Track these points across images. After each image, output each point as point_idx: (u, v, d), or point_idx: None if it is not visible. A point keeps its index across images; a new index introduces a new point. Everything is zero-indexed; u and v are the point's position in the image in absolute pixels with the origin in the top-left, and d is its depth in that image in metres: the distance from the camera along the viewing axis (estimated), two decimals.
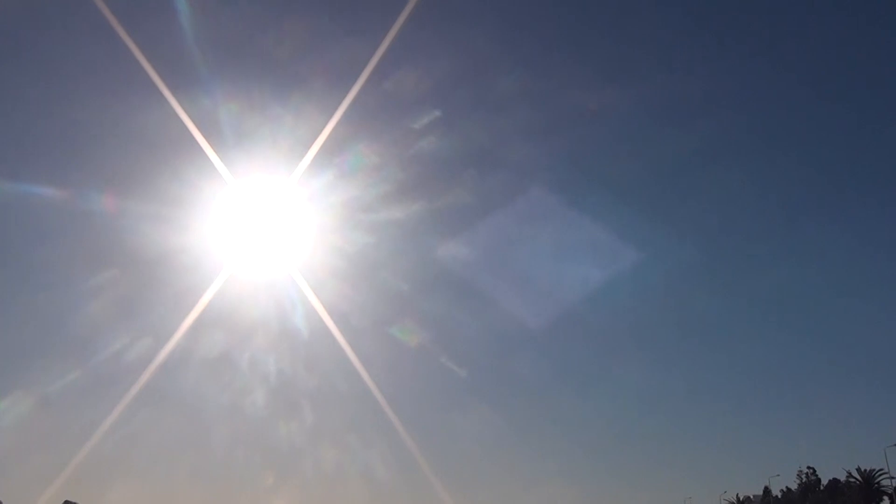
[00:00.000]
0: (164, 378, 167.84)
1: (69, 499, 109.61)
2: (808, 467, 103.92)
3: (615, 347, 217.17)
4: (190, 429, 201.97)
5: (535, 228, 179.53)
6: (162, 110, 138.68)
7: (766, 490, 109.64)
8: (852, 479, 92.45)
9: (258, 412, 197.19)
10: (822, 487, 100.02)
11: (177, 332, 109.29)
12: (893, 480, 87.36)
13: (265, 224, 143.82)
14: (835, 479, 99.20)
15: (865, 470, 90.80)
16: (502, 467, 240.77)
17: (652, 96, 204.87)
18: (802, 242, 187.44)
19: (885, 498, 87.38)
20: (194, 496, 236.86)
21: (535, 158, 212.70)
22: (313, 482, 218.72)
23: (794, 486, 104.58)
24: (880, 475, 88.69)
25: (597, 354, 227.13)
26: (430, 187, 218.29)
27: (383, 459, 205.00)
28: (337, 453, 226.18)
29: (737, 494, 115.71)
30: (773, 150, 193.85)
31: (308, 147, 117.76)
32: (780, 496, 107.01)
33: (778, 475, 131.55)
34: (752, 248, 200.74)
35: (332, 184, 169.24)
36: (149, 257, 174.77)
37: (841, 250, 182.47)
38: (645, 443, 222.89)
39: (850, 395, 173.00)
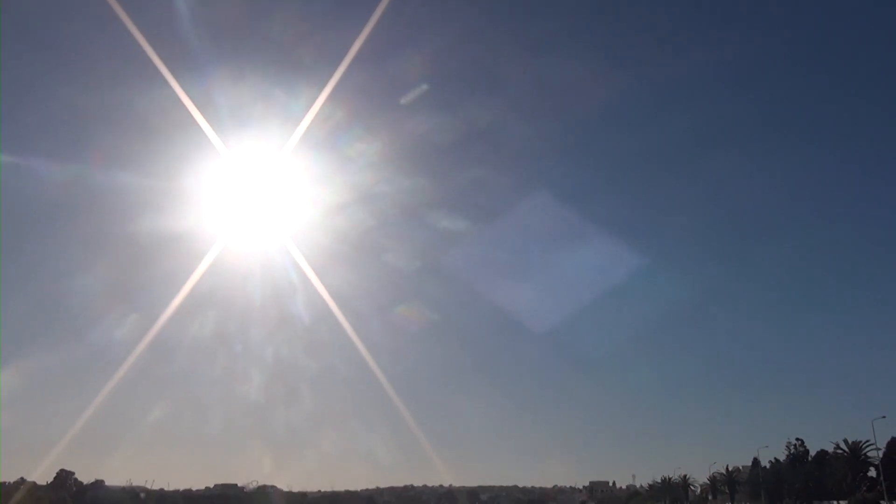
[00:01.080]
0: (158, 353, 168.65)
1: (65, 467, 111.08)
2: (797, 439, 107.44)
3: (615, 332, 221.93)
4: (184, 402, 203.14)
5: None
6: (155, 84, 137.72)
7: (755, 461, 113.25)
8: (840, 451, 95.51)
9: (253, 388, 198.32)
10: (810, 458, 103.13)
11: (170, 305, 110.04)
12: (880, 452, 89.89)
13: (259, 195, 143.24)
14: (822, 451, 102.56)
15: (853, 442, 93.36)
16: (503, 443, 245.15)
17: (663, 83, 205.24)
18: (802, 241, 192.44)
19: (872, 468, 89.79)
20: (189, 467, 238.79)
21: (530, 135, 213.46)
22: (308, 452, 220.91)
23: (782, 458, 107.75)
24: (867, 447, 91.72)
25: (597, 340, 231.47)
26: (425, 163, 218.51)
27: (382, 439, 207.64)
28: (336, 430, 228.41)
29: (727, 465, 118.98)
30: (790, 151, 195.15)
31: (300, 119, 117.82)
32: (768, 467, 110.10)
33: (767, 446, 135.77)
34: (753, 246, 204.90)
35: (325, 156, 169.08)
36: (143, 230, 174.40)
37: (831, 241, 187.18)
38: (640, 418, 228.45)
39: (838, 368, 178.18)
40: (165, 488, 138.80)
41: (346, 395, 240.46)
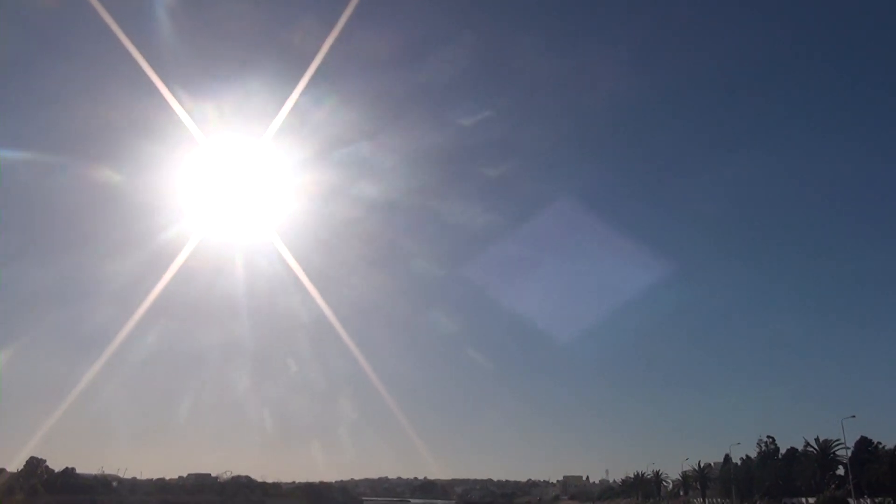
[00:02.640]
0: (133, 344, 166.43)
1: (35, 455, 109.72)
2: (768, 437, 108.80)
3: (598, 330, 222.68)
4: (158, 393, 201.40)
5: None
6: (127, 71, 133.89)
7: (727, 458, 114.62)
8: (810, 449, 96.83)
9: (230, 380, 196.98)
10: (780, 456, 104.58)
11: (147, 298, 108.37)
12: (848, 451, 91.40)
13: (240, 186, 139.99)
14: (793, 448, 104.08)
15: (822, 440, 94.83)
16: (478, 437, 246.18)
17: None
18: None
19: (840, 467, 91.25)
20: (163, 457, 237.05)
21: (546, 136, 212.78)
22: (284, 444, 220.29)
23: (753, 455, 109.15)
24: (836, 445, 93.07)
25: (576, 340, 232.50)
26: (415, 154, 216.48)
27: (360, 431, 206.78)
28: (313, 422, 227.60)
29: (699, 462, 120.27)
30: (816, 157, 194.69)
31: (281, 105, 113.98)
32: (739, 463, 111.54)
33: (739, 444, 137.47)
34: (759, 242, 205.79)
35: (311, 144, 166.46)
36: (117, 223, 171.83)
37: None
38: (614, 415, 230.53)
39: (810, 369, 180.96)
40: (138, 477, 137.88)
41: (326, 388, 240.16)
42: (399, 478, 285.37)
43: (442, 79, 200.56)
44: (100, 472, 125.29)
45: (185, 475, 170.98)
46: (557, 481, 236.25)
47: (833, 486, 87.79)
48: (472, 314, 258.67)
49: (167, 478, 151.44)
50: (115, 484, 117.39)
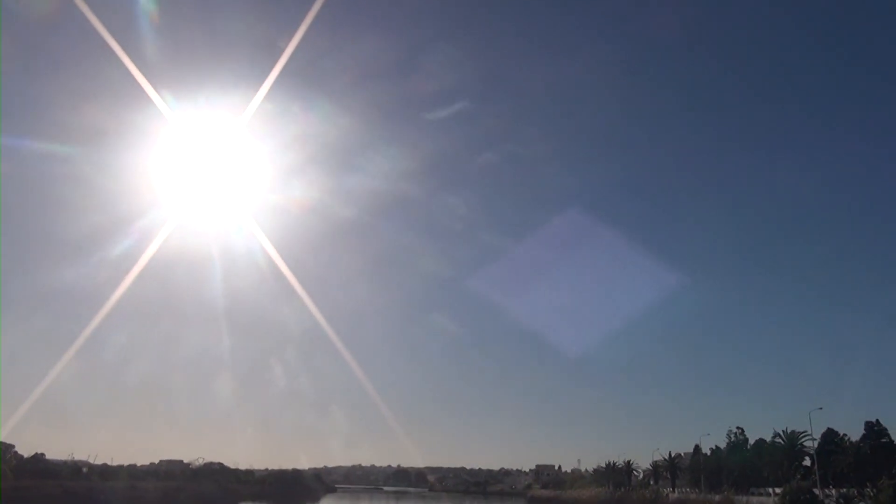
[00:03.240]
0: (105, 331, 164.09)
1: (4, 441, 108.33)
2: (738, 427, 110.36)
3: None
4: (130, 379, 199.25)
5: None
6: (90, 42, 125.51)
7: (697, 448, 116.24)
8: (778, 440, 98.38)
9: (203, 366, 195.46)
10: (749, 446, 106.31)
11: (120, 285, 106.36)
12: (815, 442, 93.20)
13: (215, 170, 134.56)
14: (761, 439, 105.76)
15: (790, 431, 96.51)
16: (451, 426, 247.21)
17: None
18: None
19: (807, 458, 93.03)
20: (134, 443, 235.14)
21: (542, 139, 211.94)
22: (257, 431, 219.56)
23: (723, 445, 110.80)
24: (804, 437, 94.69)
25: (557, 332, 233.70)
26: (396, 134, 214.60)
27: (334, 419, 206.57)
28: (288, 409, 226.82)
29: (669, 451, 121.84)
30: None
31: (261, 81, 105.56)
32: (709, 454, 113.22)
33: (709, 434, 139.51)
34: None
35: (292, 124, 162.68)
36: (85, 208, 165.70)
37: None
38: (588, 405, 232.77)
39: (780, 361, 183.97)
40: (109, 463, 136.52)
41: (303, 375, 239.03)
42: (373, 465, 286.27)
43: (427, 70, 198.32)
44: (70, 457, 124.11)
45: (156, 462, 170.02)
46: (530, 470, 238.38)
47: (799, 476, 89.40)
48: (454, 306, 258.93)
49: (138, 464, 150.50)
50: (85, 470, 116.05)
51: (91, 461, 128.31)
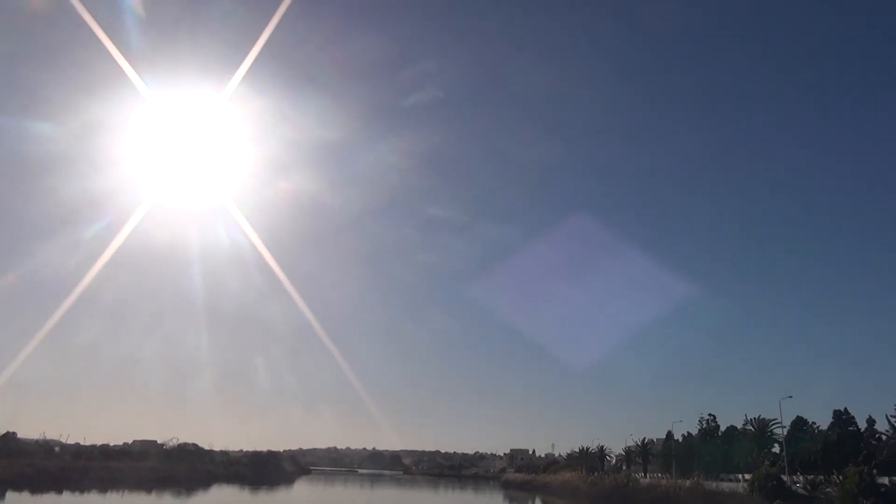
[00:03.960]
0: (79, 311, 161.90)
1: None
2: (710, 414, 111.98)
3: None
4: (103, 359, 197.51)
5: None
6: (62, 14, 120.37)
7: (669, 434, 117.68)
8: (748, 427, 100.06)
9: (179, 347, 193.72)
10: (720, 434, 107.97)
11: (94, 266, 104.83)
12: (784, 429, 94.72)
13: (193, 149, 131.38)
14: (732, 427, 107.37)
15: (760, 419, 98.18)
16: (427, 410, 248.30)
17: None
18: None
19: (776, 445, 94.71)
20: (107, 422, 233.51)
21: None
22: (233, 413, 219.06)
23: (695, 432, 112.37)
24: (773, 424, 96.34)
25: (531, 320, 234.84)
26: (379, 114, 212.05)
27: (310, 402, 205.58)
28: (264, 391, 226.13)
29: (642, 437, 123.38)
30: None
31: (242, 58, 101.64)
32: (681, 440, 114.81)
33: (681, 421, 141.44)
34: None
35: (275, 102, 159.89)
36: (57, 187, 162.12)
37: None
38: (562, 392, 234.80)
39: (751, 351, 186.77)
40: (82, 443, 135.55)
41: (281, 358, 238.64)
42: (349, 448, 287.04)
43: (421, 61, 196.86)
44: (42, 437, 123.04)
45: (130, 442, 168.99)
46: (504, 454, 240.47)
47: (768, 463, 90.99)
48: (441, 301, 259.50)
49: (111, 444, 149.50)
50: (57, 449, 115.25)
51: (63, 441, 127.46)
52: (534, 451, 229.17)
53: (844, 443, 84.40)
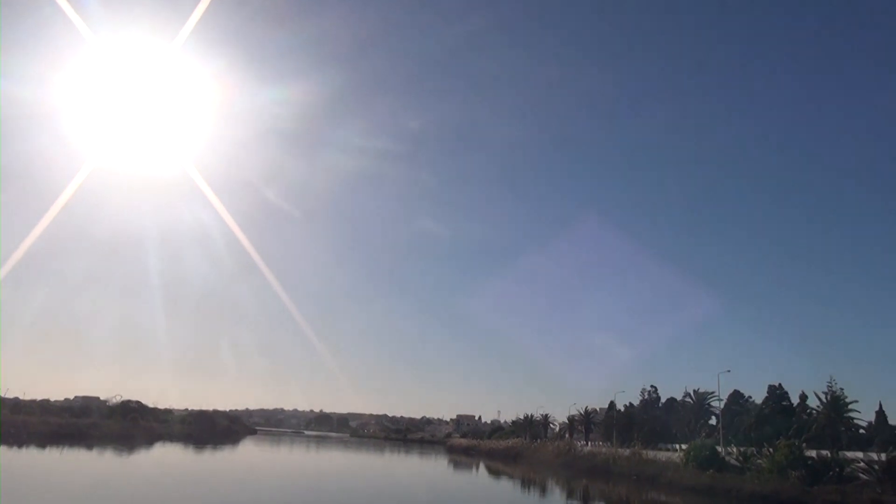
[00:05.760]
0: (20, 268, 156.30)
1: None
2: (651, 386, 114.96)
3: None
4: (46, 316, 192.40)
5: None
6: None
7: (612, 404, 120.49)
8: (688, 399, 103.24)
9: (130, 305, 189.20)
10: (661, 405, 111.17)
11: (44, 217, 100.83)
12: (721, 402, 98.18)
13: (143, 104, 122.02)
14: (672, 398, 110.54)
15: (699, 391, 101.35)
16: (374, 374, 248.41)
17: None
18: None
19: (714, 417, 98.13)
20: (48, 378, 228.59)
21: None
22: (184, 365, 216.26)
23: (637, 403, 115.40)
24: (711, 397, 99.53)
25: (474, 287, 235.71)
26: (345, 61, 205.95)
27: (256, 363, 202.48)
28: (213, 350, 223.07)
29: (585, 407, 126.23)
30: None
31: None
32: (623, 410, 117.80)
33: (623, 391, 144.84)
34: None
35: (241, 52, 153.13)
36: None
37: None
38: (509, 361, 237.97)
39: (695, 325, 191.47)
40: (21, 398, 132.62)
41: (232, 314, 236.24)
42: (295, 409, 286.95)
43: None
44: None
45: (71, 397, 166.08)
46: (451, 419, 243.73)
47: (704, 434, 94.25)
48: (385, 251, 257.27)
49: (52, 399, 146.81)
50: None
51: (2, 395, 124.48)
52: (480, 418, 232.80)
53: (777, 416, 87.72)
